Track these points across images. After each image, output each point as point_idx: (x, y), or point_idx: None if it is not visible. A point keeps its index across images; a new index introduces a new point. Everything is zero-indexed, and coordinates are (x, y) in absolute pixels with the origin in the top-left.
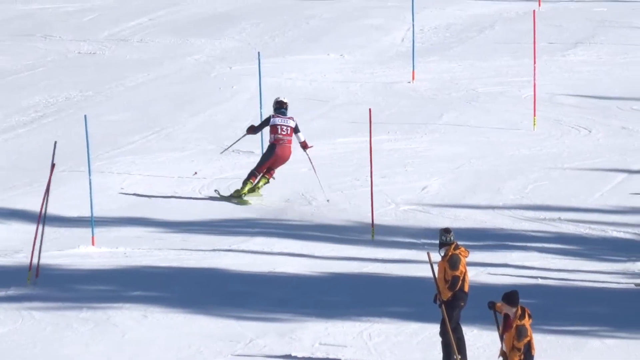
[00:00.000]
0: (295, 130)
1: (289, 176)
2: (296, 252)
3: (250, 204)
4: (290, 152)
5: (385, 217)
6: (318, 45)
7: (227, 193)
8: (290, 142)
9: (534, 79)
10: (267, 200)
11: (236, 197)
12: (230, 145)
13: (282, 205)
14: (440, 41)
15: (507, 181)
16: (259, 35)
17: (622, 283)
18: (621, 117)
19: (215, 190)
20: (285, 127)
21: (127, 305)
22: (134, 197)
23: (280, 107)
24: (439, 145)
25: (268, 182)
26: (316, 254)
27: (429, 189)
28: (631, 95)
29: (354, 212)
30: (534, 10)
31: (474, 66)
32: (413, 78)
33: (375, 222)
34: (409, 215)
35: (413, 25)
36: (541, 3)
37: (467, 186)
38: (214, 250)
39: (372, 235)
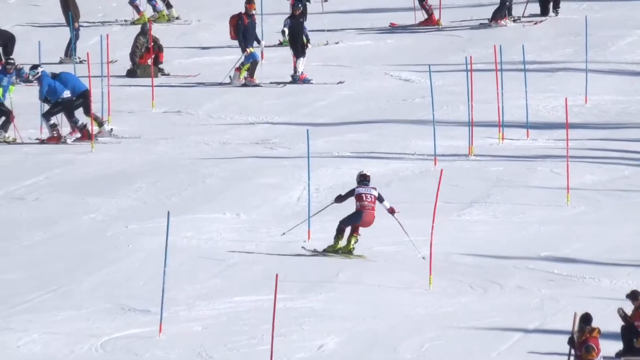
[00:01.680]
0: (380, 199)
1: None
2: None
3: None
4: (374, 218)
5: None
6: (214, 204)
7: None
8: (374, 209)
9: (431, 238)
10: None
11: (331, 251)
12: (318, 212)
13: None
14: None
15: (403, 340)
16: (154, 194)
17: None
18: (517, 276)
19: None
20: (369, 195)
21: None
22: (31, 355)
23: (363, 180)
24: (335, 304)
25: (357, 240)
26: None
27: (325, 347)
28: (527, 255)
29: None
30: (441, 170)
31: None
32: (309, 237)
33: None
34: None
35: (309, 184)
36: (437, 162)
37: (364, 345)
38: None
39: None
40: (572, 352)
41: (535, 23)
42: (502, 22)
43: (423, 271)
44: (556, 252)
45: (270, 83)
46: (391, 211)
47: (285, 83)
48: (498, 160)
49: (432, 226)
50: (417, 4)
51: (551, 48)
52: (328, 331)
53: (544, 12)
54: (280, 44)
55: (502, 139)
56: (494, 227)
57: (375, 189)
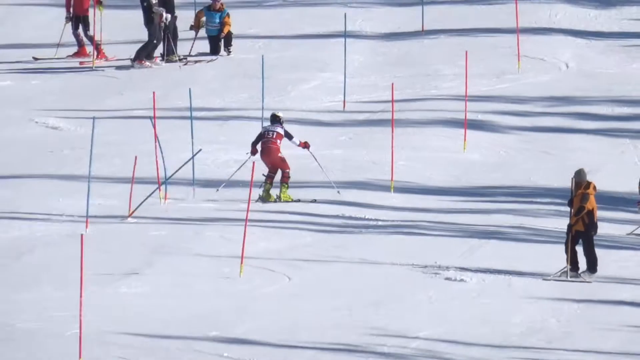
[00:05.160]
0: (287, 136)
1: None
2: None
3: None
4: (276, 153)
5: None
6: None
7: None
8: (274, 143)
9: (80, 314)
10: None
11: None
12: (234, 172)
13: None
14: None
15: None
16: None
17: None
18: (182, 359)
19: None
20: (271, 132)
21: None
22: None
23: (273, 120)
24: None
25: (287, 187)
26: None
27: None
28: (193, 334)
29: None
30: (81, 235)
31: (10, 300)
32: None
33: None
34: None
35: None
36: (88, 225)
37: None
38: None
39: None
40: None
41: (196, 63)
42: (147, 63)
43: (71, 351)
44: (227, 332)
45: None
46: (304, 146)
47: None
48: (160, 224)
49: (80, 300)
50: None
51: (223, 92)
52: None
53: (215, 50)
54: None
55: (165, 198)
56: (156, 301)
57: (281, 126)
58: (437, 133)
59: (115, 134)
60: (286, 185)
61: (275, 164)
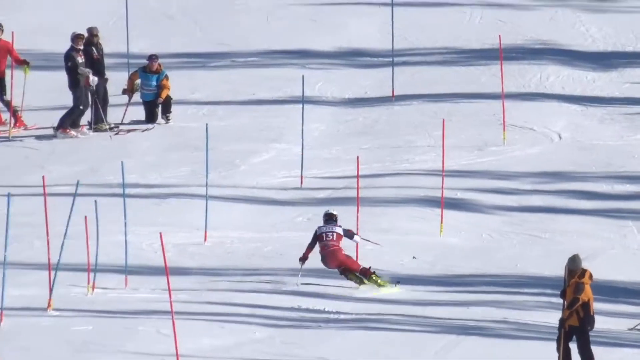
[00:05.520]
0: (348, 236)
1: None
2: None
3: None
4: (341, 255)
5: None
6: None
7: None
8: (336, 246)
9: None
10: None
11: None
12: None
13: None
14: None
15: None
16: None
17: None
18: None
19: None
20: (330, 234)
21: None
22: None
23: (328, 219)
24: None
25: (358, 277)
26: None
27: None
28: None
29: None
30: None
31: None
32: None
33: None
34: None
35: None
36: (3, 318)
37: None
38: None
39: None
40: None
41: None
42: (72, 132)
43: None
44: None
45: None
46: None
47: None
48: (86, 317)
49: None
50: None
51: (160, 166)
52: None
53: (151, 118)
54: None
55: (93, 288)
56: None
57: (339, 226)
58: (409, 213)
59: (35, 213)
60: (375, 275)
61: (345, 265)
